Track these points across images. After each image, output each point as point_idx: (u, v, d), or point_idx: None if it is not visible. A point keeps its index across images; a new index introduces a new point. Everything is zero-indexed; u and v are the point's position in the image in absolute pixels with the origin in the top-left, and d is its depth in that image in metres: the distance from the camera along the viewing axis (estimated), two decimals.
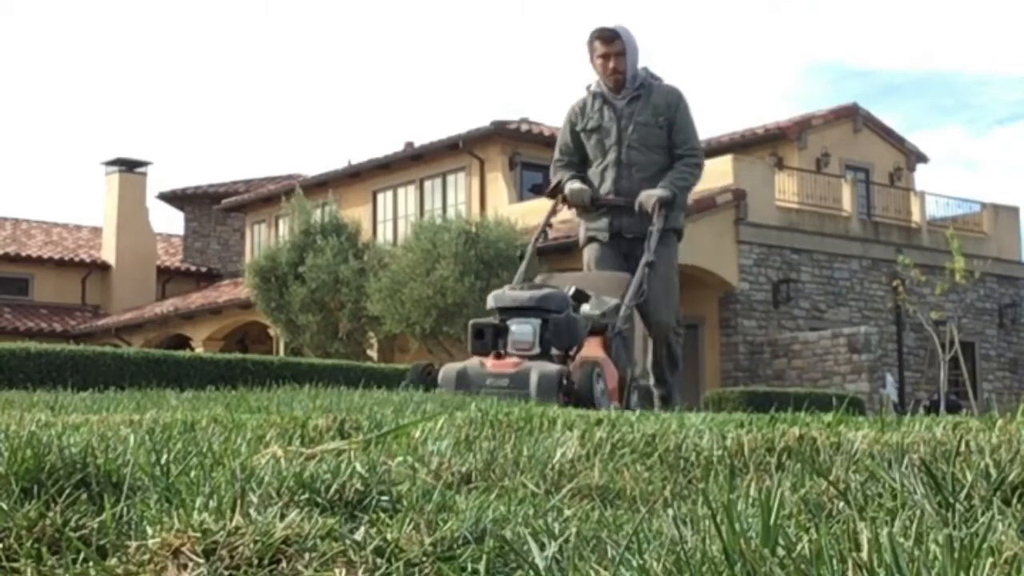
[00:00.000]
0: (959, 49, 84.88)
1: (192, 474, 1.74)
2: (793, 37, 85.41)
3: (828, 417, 2.93)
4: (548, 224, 7.26)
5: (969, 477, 1.66)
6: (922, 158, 30.30)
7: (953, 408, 18.02)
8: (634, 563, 1.24)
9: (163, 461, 1.80)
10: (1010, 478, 1.64)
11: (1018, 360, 28.15)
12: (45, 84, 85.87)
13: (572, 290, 6.36)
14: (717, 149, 27.54)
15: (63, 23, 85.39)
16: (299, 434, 2.52)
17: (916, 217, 27.41)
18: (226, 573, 1.37)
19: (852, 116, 28.92)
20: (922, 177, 55.28)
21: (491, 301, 6.31)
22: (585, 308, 6.43)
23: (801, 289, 25.08)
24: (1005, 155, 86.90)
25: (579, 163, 7.10)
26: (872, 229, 26.61)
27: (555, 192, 7.10)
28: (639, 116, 6.90)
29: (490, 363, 5.98)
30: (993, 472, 1.67)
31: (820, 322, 25.02)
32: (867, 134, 29.07)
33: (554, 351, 6.07)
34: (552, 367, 5.85)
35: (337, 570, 1.37)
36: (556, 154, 7.21)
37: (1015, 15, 73.08)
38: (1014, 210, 29.17)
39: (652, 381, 7.02)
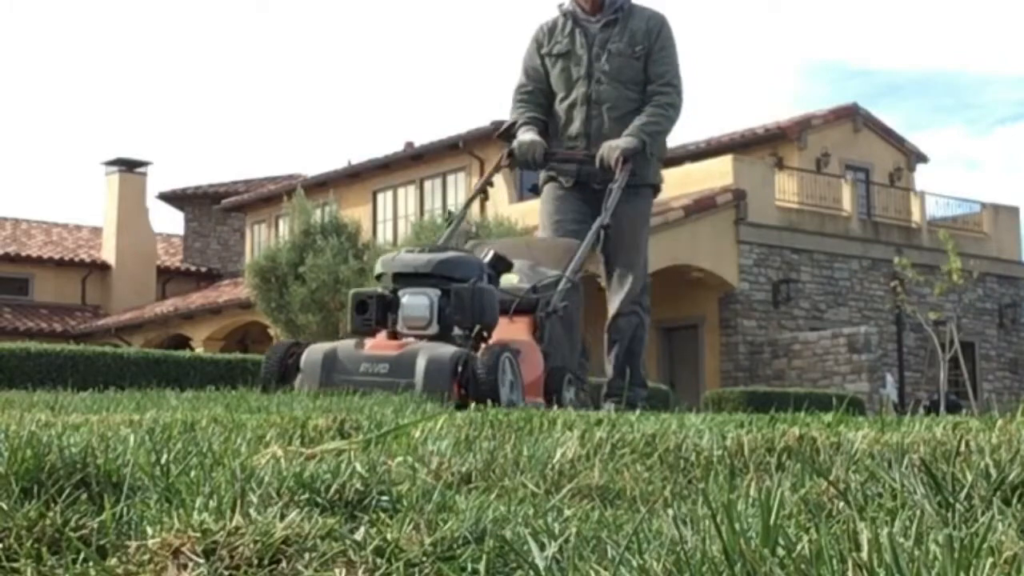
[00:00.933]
0: (959, 49, 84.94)
1: (192, 474, 1.74)
2: (793, 37, 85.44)
3: (828, 417, 2.93)
4: (489, 183, 6.05)
5: (969, 477, 1.66)
6: (922, 158, 30.31)
7: (953, 408, 18.00)
8: (634, 563, 1.24)
9: (163, 461, 1.80)
10: (1010, 478, 1.64)
11: (1018, 360, 28.15)
12: (45, 84, 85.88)
13: (489, 255, 5.15)
14: (717, 149, 27.59)
15: (63, 23, 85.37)
16: (299, 434, 2.52)
17: (916, 217, 27.44)
18: (226, 573, 1.38)
19: (852, 116, 28.94)
20: (922, 177, 55.27)
21: (379, 266, 5.04)
22: (512, 279, 5.30)
23: (801, 289, 25.09)
24: (1006, 155, 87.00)
25: (547, 91, 5.98)
26: (872, 229, 26.62)
27: (506, 135, 5.94)
28: (614, 44, 5.82)
29: (369, 344, 4.75)
30: (993, 472, 1.67)
31: (820, 322, 25.02)
32: (867, 134, 29.08)
33: (458, 331, 4.85)
34: (446, 350, 4.59)
35: (337, 570, 1.37)
36: (520, 78, 6.03)
37: (1016, 15, 73.08)
38: (1014, 210, 29.19)
39: (605, 388, 5.80)
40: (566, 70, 5.89)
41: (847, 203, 26.14)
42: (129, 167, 37.27)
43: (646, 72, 5.83)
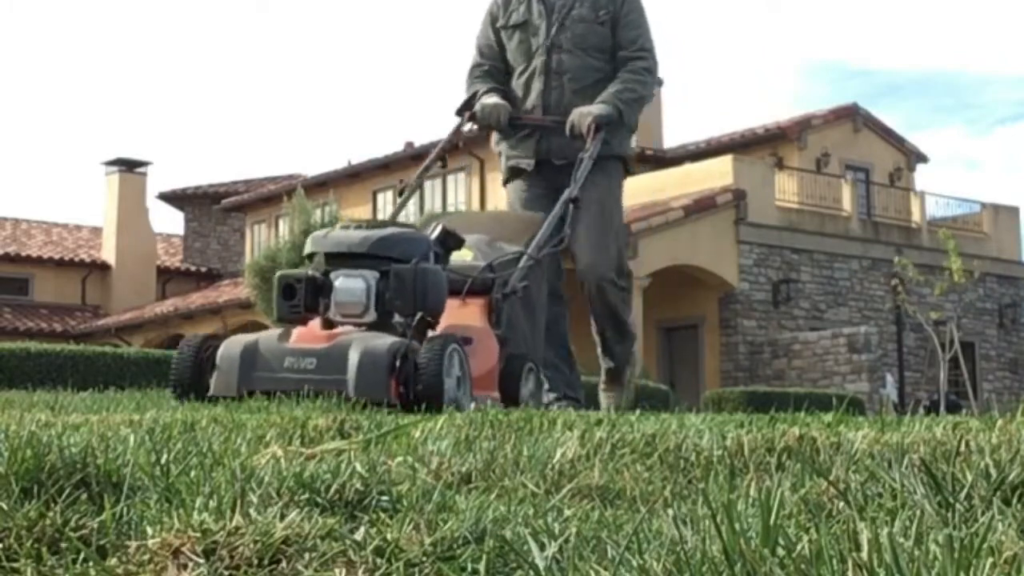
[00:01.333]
0: (959, 49, 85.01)
1: (192, 474, 1.74)
2: (793, 37, 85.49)
3: (828, 417, 2.93)
4: (446, 150, 5.54)
5: (969, 477, 1.66)
6: (922, 158, 30.31)
7: (953, 408, 18.00)
8: (634, 563, 1.24)
9: (163, 461, 1.80)
10: (1010, 478, 1.64)
11: (1018, 360, 28.15)
12: (45, 84, 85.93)
13: (437, 231, 4.55)
14: (717, 149, 27.60)
15: (63, 23, 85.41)
16: (299, 434, 2.52)
17: (916, 217, 27.44)
18: (226, 573, 1.38)
19: (852, 116, 28.94)
20: (922, 177, 55.35)
21: (309, 244, 4.41)
22: (466, 257, 4.78)
23: (801, 289, 25.09)
24: (1006, 155, 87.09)
25: (503, 69, 5.59)
26: (872, 229, 26.62)
27: (467, 107, 5.51)
28: (575, 10, 5.43)
29: (295, 335, 4.16)
30: (993, 472, 1.67)
31: (820, 322, 25.03)
32: (867, 134, 29.08)
33: (399, 318, 4.26)
34: (382, 342, 3.99)
35: (337, 570, 1.37)
36: (474, 58, 5.63)
37: (1016, 15, 73.13)
38: (1014, 210, 29.20)
39: (599, 350, 5.47)
40: (524, 41, 5.50)
41: (847, 203, 26.14)
42: (129, 167, 37.26)
43: (614, 39, 5.43)
